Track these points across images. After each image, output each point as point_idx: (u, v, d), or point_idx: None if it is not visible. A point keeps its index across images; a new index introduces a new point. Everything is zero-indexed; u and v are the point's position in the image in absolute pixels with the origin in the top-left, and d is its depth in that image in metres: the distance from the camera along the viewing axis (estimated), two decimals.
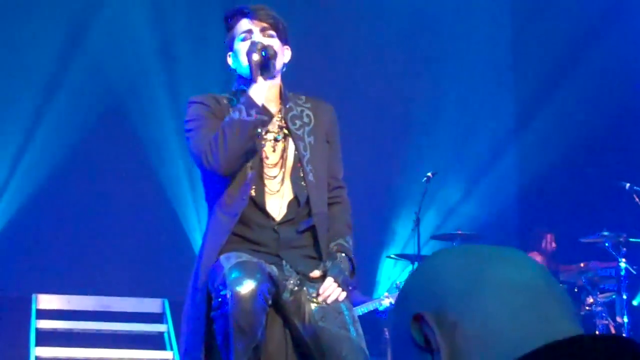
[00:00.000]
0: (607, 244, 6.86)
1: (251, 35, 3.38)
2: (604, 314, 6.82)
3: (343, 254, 3.38)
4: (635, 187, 6.92)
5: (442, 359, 0.99)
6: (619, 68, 8.59)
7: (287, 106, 3.46)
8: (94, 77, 7.78)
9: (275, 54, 3.30)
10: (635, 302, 7.46)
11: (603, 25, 8.66)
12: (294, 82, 3.55)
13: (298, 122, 3.44)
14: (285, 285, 3.29)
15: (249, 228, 3.33)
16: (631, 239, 6.83)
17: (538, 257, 7.57)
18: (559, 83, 8.87)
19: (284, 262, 3.32)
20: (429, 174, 7.10)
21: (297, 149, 3.39)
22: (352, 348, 3.20)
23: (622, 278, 6.75)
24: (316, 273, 3.33)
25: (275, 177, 3.37)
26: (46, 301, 6.74)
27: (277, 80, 3.45)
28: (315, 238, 3.38)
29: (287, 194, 3.37)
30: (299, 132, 3.42)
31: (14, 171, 7.47)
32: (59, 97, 7.60)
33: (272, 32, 3.39)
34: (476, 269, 1.04)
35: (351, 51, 8.67)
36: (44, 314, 6.61)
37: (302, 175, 3.38)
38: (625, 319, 6.67)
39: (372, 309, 6.40)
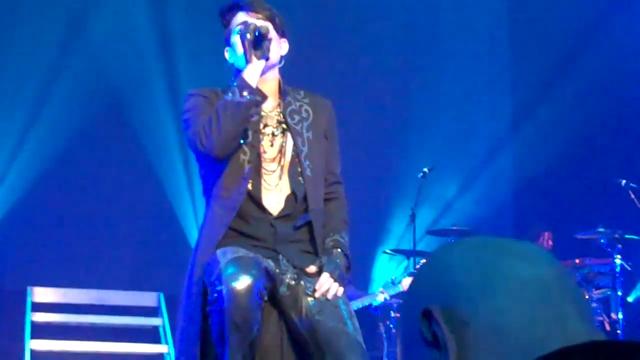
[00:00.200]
0: (602, 241, 6.87)
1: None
2: (598, 311, 6.83)
3: (339, 250, 3.39)
4: (631, 184, 6.93)
5: (449, 358, 0.97)
6: (616, 66, 8.59)
7: (286, 100, 3.46)
8: (92, 72, 7.77)
9: (267, 32, 3.29)
10: (630, 299, 7.47)
11: (600, 24, 8.67)
12: (291, 79, 3.55)
13: (296, 117, 3.44)
14: (282, 280, 3.29)
15: (246, 222, 3.33)
16: (627, 236, 6.83)
17: None
18: (555, 80, 8.87)
19: (280, 257, 3.32)
20: (425, 169, 7.10)
21: (295, 144, 3.39)
22: (349, 342, 3.20)
23: (617, 274, 6.75)
24: (312, 269, 3.33)
25: (273, 171, 3.37)
26: (41, 294, 6.75)
27: (276, 74, 3.46)
28: (311, 233, 3.38)
29: (285, 188, 3.37)
30: (297, 127, 3.42)
31: (10, 165, 7.46)
32: (56, 91, 7.59)
33: (270, 24, 3.39)
34: (488, 264, 1.02)
35: (348, 48, 8.67)
36: (40, 307, 6.61)
37: (299, 170, 3.38)
38: (620, 316, 6.68)
39: (366, 305, 6.40)
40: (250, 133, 3.34)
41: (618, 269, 6.75)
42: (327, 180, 3.48)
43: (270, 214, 3.34)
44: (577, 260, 7.22)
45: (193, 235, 7.29)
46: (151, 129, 7.86)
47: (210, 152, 3.24)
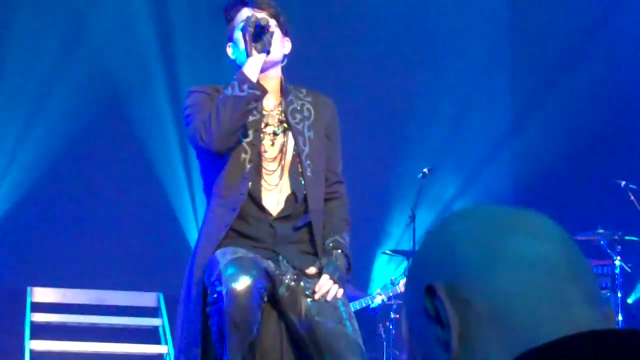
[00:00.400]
0: (602, 242, 6.86)
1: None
2: None
3: (339, 251, 3.37)
4: (630, 185, 6.93)
5: (451, 336, 0.94)
6: (616, 66, 8.59)
7: (288, 99, 3.44)
8: (92, 72, 7.76)
9: (268, 24, 3.27)
10: (629, 300, 7.47)
11: (600, 25, 8.67)
12: (290, 78, 3.54)
13: (298, 116, 3.42)
14: (281, 280, 3.28)
15: (245, 222, 3.32)
16: (626, 237, 6.83)
17: None
18: (555, 81, 8.87)
19: (280, 258, 3.31)
20: (425, 170, 7.10)
21: (296, 143, 3.37)
22: (348, 343, 3.20)
23: (617, 276, 6.75)
24: (312, 270, 3.33)
25: (273, 171, 3.35)
26: (41, 294, 6.75)
27: (278, 72, 3.44)
28: (311, 234, 3.37)
29: (285, 189, 3.36)
30: (299, 127, 3.40)
31: (10, 164, 7.46)
32: (55, 91, 7.58)
33: (274, 20, 3.38)
34: (493, 239, 0.97)
35: (347, 47, 8.66)
36: (39, 307, 6.61)
37: (300, 170, 3.36)
38: (620, 317, 6.68)
39: (364, 306, 6.40)
40: (251, 132, 3.33)
41: (618, 271, 6.75)
42: (329, 179, 3.47)
43: (270, 215, 3.33)
44: None
45: (193, 236, 7.29)
46: (151, 129, 7.86)
47: (210, 147, 3.23)
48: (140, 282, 7.27)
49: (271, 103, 3.40)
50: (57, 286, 6.90)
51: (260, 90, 3.26)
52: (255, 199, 3.32)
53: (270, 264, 3.26)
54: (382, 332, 6.70)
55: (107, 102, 7.78)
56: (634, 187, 6.93)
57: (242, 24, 3.34)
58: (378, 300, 6.36)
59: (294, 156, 3.37)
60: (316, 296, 3.26)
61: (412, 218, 7.01)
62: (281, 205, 3.35)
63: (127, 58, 7.88)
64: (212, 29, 7.68)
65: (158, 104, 7.86)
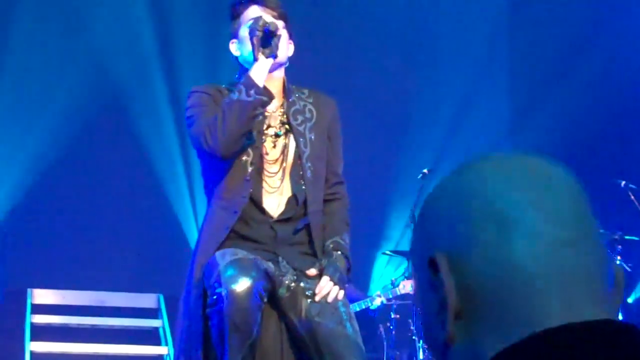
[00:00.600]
0: None
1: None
2: None
3: (339, 252, 3.36)
4: (630, 185, 6.93)
5: (447, 315, 0.89)
6: (615, 66, 8.60)
7: (290, 100, 3.42)
8: (92, 72, 7.75)
9: (277, 29, 3.24)
10: (630, 300, 7.47)
11: (599, 25, 8.67)
12: (290, 77, 3.53)
13: (300, 118, 3.40)
14: (281, 281, 3.28)
15: (246, 225, 3.31)
16: (626, 237, 6.83)
17: None
18: (554, 80, 8.87)
19: (280, 259, 3.31)
20: (425, 170, 7.09)
21: (297, 145, 3.36)
22: (348, 344, 3.20)
23: None
24: (313, 271, 3.32)
25: (275, 173, 3.34)
26: (41, 296, 6.75)
27: (282, 73, 3.42)
28: (310, 235, 3.36)
29: (286, 191, 3.35)
30: (300, 128, 3.38)
31: (10, 166, 7.45)
32: (55, 92, 7.58)
33: (282, 22, 3.36)
34: (507, 208, 0.90)
35: (347, 48, 8.66)
36: (39, 309, 6.61)
37: (301, 172, 3.35)
38: (620, 316, 6.68)
39: (363, 307, 6.39)
40: (253, 134, 3.32)
41: None
42: (329, 180, 3.45)
43: (271, 217, 3.32)
44: None
45: (193, 237, 7.29)
46: (151, 130, 7.85)
47: (215, 152, 3.21)
48: (141, 284, 7.27)
49: (273, 104, 3.37)
50: (57, 288, 6.90)
51: (267, 96, 3.24)
52: (256, 201, 3.31)
53: (270, 265, 3.25)
54: (382, 333, 6.69)
55: (107, 105, 7.77)
56: (633, 186, 6.93)
57: (250, 22, 3.31)
58: (377, 302, 6.35)
59: (295, 158, 3.36)
60: (317, 298, 3.25)
61: (412, 219, 7.00)
62: (282, 208, 3.34)
63: (127, 58, 7.87)
64: (212, 29, 7.71)
65: (159, 106, 7.86)
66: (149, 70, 7.93)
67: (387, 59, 8.85)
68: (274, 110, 3.39)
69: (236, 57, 3.42)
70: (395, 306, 6.59)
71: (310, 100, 3.46)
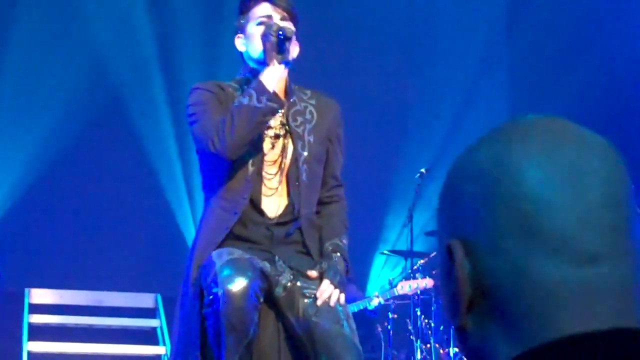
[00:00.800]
0: None
1: (271, 20, 3.30)
2: None
3: (338, 254, 3.36)
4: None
5: (459, 306, 0.86)
6: (614, 66, 8.60)
7: (292, 100, 3.39)
8: (91, 72, 7.75)
9: (291, 36, 3.22)
10: None
11: (598, 25, 8.68)
12: (291, 78, 3.51)
13: (299, 119, 3.38)
14: (277, 281, 3.27)
15: (244, 226, 3.29)
16: None
17: None
18: (553, 80, 8.88)
19: (276, 258, 3.30)
20: (423, 170, 7.09)
21: (295, 147, 3.34)
22: (345, 343, 3.19)
23: None
24: (313, 273, 3.31)
25: (274, 175, 3.32)
26: (39, 296, 6.75)
27: (285, 74, 3.38)
28: (303, 237, 3.35)
29: (284, 193, 3.34)
30: (299, 130, 3.36)
31: (8, 166, 7.45)
32: (54, 92, 7.58)
33: (292, 23, 3.33)
34: (527, 210, 0.84)
35: (346, 48, 8.66)
36: (37, 309, 6.61)
37: (297, 175, 3.33)
38: None
39: (361, 308, 6.39)
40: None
41: None
42: (328, 183, 3.44)
43: (269, 219, 3.32)
44: None
45: (191, 237, 7.27)
46: (150, 130, 7.85)
47: (222, 154, 3.19)
48: (138, 283, 7.27)
49: None
50: (54, 287, 6.89)
51: (278, 103, 3.21)
52: (255, 203, 3.30)
53: (266, 265, 3.25)
54: (380, 333, 6.69)
55: (106, 103, 7.77)
56: (633, 186, 6.93)
57: (259, 20, 3.29)
58: (375, 302, 6.35)
59: (292, 160, 3.34)
60: (318, 302, 3.24)
61: (410, 218, 7.00)
62: (280, 210, 3.32)
63: (126, 58, 7.87)
64: (212, 29, 7.71)
65: (157, 106, 7.86)
66: (148, 70, 7.93)
67: (386, 59, 8.86)
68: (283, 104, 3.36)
69: (241, 53, 3.40)
70: (393, 306, 6.58)
71: (312, 102, 3.44)
